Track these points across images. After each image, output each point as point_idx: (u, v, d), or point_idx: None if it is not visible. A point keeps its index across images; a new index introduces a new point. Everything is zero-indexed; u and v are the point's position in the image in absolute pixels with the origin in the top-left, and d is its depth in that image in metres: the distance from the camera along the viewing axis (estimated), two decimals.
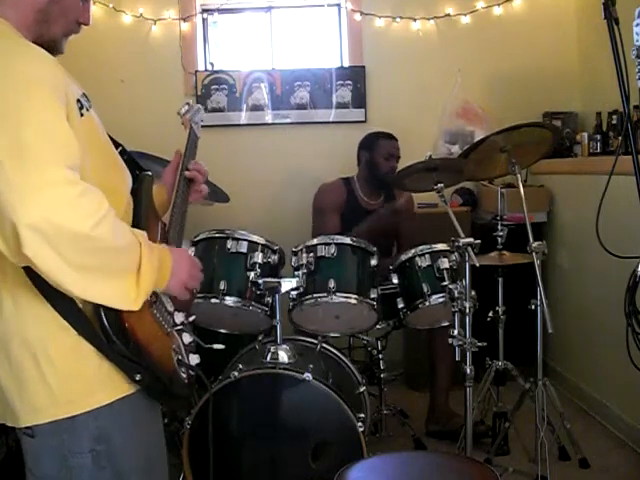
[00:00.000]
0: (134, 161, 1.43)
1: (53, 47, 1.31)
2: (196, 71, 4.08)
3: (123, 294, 1.21)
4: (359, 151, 3.45)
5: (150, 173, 1.49)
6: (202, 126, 1.92)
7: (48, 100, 1.16)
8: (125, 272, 1.22)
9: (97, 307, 1.20)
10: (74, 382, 1.25)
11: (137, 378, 1.27)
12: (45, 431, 1.25)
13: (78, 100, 1.25)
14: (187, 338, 1.43)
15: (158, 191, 1.61)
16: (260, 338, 2.69)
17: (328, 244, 2.61)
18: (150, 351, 1.28)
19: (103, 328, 1.21)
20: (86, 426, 1.26)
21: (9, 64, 1.15)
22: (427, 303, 2.68)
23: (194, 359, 1.44)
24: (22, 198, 1.07)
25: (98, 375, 1.26)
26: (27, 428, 1.26)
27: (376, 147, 3.38)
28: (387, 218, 3.25)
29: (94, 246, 1.14)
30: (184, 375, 1.37)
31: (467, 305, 2.28)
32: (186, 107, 1.85)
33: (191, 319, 1.49)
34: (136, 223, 1.36)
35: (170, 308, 1.40)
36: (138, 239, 1.25)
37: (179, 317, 1.41)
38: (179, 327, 1.41)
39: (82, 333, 1.23)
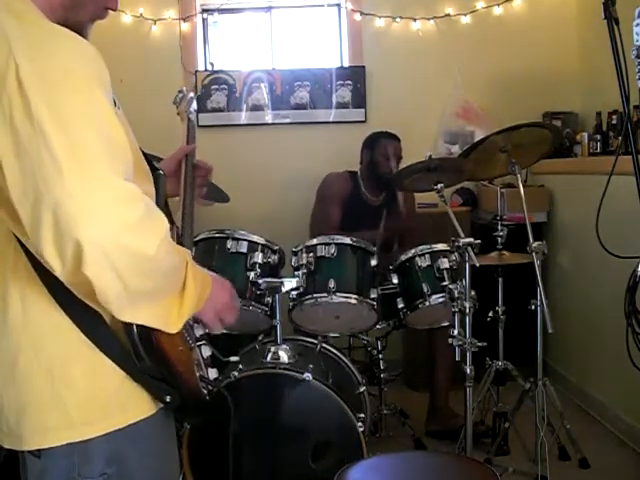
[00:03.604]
0: (145, 156, 1.38)
1: (78, 32, 1.15)
2: (196, 71, 4.08)
3: (165, 316, 1.13)
4: (362, 149, 3.47)
5: (162, 172, 1.44)
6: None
7: (100, 96, 1.06)
8: (171, 293, 1.14)
9: (129, 324, 1.11)
10: (92, 403, 1.14)
11: (167, 400, 1.19)
12: (54, 453, 1.14)
13: (112, 98, 1.14)
14: (206, 352, 1.36)
15: None
16: (260, 338, 2.69)
17: (328, 244, 2.61)
18: (178, 369, 1.20)
19: (134, 345, 1.12)
20: (100, 449, 1.15)
21: (54, 57, 1.03)
22: (427, 303, 2.68)
23: (213, 373, 1.36)
24: (87, 214, 0.96)
25: (118, 396, 1.16)
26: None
27: (377, 146, 3.40)
28: (392, 231, 3.29)
29: (153, 268, 1.07)
30: (205, 391, 1.30)
31: (467, 305, 2.28)
32: (180, 95, 1.80)
33: (207, 330, 1.40)
34: None
35: (191, 321, 1.32)
36: (185, 258, 1.17)
37: (199, 330, 1.34)
38: (200, 342, 1.34)
39: (106, 350, 1.14)
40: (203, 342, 1.35)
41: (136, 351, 1.13)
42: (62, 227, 0.97)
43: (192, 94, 1.86)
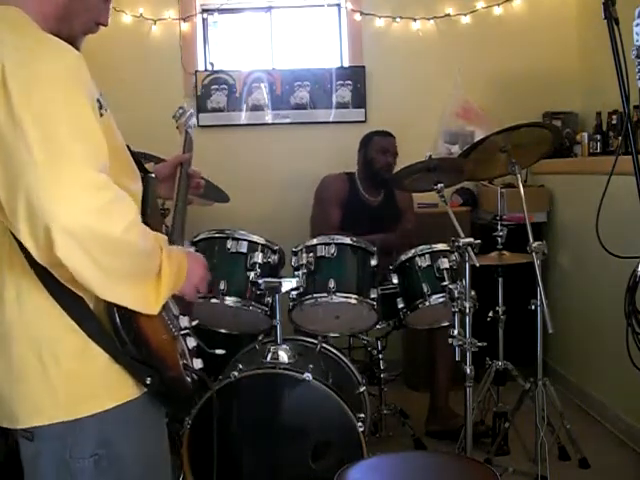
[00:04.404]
0: (139, 162, 1.43)
1: (70, 44, 1.25)
2: (196, 71, 4.08)
3: (144, 298, 1.22)
4: (358, 150, 3.50)
5: (154, 175, 1.49)
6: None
7: (79, 96, 1.15)
8: (147, 276, 1.23)
9: (111, 309, 1.20)
10: (79, 384, 1.23)
11: (148, 382, 1.26)
12: (45, 434, 1.22)
13: (98, 100, 1.24)
14: (191, 342, 1.43)
15: None
16: (260, 338, 2.69)
17: (328, 244, 2.61)
18: (160, 354, 1.28)
19: (116, 330, 1.21)
20: (89, 430, 1.23)
21: (37, 59, 1.14)
22: (427, 303, 2.68)
23: (197, 363, 1.43)
24: (57, 201, 1.06)
25: (104, 378, 1.24)
26: (26, 431, 1.23)
27: (371, 143, 3.44)
28: (397, 241, 3.28)
29: (123, 250, 1.15)
30: (189, 379, 1.36)
31: (467, 305, 2.28)
32: (180, 111, 1.88)
33: (194, 323, 1.48)
34: None
35: (176, 312, 1.39)
36: (159, 244, 1.26)
37: (184, 321, 1.41)
38: (184, 331, 1.41)
39: (91, 334, 1.22)
40: (187, 332, 1.41)
41: (118, 335, 1.21)
42: (34, 212, 1.07)
43: (192, 110, 1.94)
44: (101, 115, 1.23)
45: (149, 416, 1.34)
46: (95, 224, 1.09)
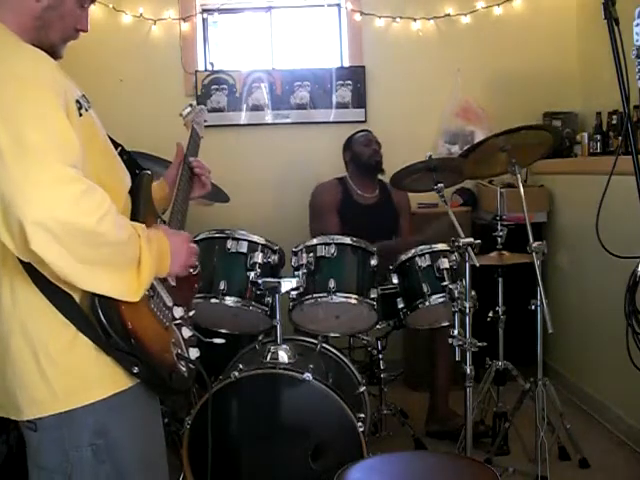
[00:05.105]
0: (134, 161, 1.45)
1: (52, 52, 1.33)
2: (196, 71, 4.08)
3: (125, 285, 1.25)
4: (343, 155, 3.53)
5: (149, 172, 1.51)
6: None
7: (48, 98, 1.19)
8: (127, 264, 1.26)
9: (93, 303, 1.23)
10: (72, 376, 1.27)
11: (135, 371, 1.30)
12: (47, 425, 1.27)
13: (77, 101, 1.28)
14: (187, 332, 1.45)
15: (159, 186, 1.67)
16: (260, 338, 2.69)
17: (328, 244, 2.61)
18: (148, 345, 1.30)
19: (100, 323, 1.24)
20: (85, 420, 1.28)
21: (7, 64, 1.19)
22: (427, 303, 2.68)
23: (194, 353, 1.46)
24: (27, 196, 1.10)
25: (96, 369, 1.29)
26: (29, 422, 1.29)
27: (352, 142, 3.50)
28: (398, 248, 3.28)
29: (98, 240, 1.18)
30: (184, 369, 1.39)
31: (467, 305, 2.28)
32: (188, 109, 1.90)
33: (191, 314, 1.51)
34: (134, 220, 1.39)
35: (169, 303, 1.41)
36: (137, 232, 1.29)
37: (178, 311, 1.43)
38: (178, 321, 1.43)
39: (80, 328, 1.26)
40: (181, 322, 1.44)
41: (103, 328, 1.24)
42: (8, 209, 1.12)
43: (202, 107, 1.97)
44: (80, 115, 1.27)
45: (145, 407, 1.38)
46: (67, 216, 1.12)
